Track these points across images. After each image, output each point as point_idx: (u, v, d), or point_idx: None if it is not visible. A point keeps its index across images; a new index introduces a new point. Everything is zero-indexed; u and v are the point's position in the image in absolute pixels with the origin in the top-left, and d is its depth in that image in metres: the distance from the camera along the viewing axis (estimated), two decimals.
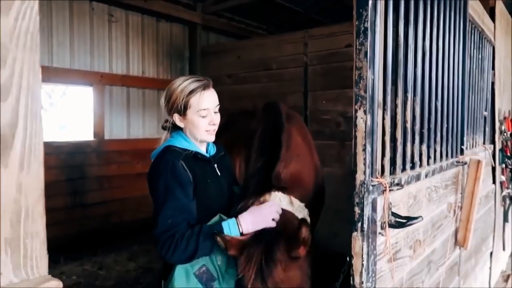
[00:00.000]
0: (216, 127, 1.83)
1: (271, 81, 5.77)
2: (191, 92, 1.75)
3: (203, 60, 6.52)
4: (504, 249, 4.53)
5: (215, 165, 1.91)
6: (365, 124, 1.37)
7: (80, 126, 5.49)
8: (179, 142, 1.81)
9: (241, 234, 1.64)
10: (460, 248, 2.57)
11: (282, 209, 1.75)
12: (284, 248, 1.57)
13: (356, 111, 1.39)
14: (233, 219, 1.68)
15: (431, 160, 2.10)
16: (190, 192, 1.71)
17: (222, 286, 1.67)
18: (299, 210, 1.84)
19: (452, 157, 2.46)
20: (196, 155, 1.80)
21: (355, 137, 1.39)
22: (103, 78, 5.49)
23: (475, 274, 3.36)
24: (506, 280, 4.46)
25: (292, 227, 1.62)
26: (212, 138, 1.85)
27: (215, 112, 1.82)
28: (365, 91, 1.36)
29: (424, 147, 2.00)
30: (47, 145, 5.05)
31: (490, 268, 4.06)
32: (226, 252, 1.59)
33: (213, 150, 1.97)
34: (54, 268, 4.55)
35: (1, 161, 0.63)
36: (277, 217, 1.70)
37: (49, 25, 4.90)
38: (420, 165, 1.99)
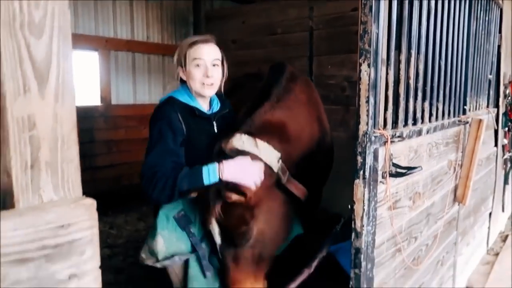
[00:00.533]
0: (213, 81, 1.87)
1: (276, 46, 5.75)
2: (191, 44, 1.84)
3: (207, 25, 6.46)
4: (503, 210, 4.65)
5: (214, 123, 1.97)
6: (369, 77, 1.43)
7: (87, 92, 5.54)
8: (181, 95, 1.90)
9: (220, 180, 1.66)
10: (459, 205, 2.67)
11: (245, 151, 1.77)
12: (232, 187, 1.65)
13: (360, 64, 1.44)
14: (215, 164, 1.68)
15: (433, 118, 2.16)
16: (180, 141, 1.79)
17: (200, 231, 1.84)
18: (267, 152, 1.81)
19: (454, 116, 2.51)
20: (194, 111, 1.88)
21: (359, 90, 1.45)
22: (108, 43, 5.49)
23: (474, 232, 3.48)
24: (504, 240, 4.59)
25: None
26: (208, 92, 1.89)
27: (213, 65, 1.86)
28: (369, 45, 1.41)
29: (427, 104, 2.05)
30: None
31: (489, 228, 4.19)
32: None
33: (216, 107, 2.03)
34: None
35: (39, 93, 0.70)
36: (259, 180, 1.71)
37: None
38: (422, 121, 2.05)
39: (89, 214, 0.74)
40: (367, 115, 1.45)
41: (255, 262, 1.76)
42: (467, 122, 2.57)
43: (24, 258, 0.65)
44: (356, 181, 1.49)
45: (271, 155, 1.82)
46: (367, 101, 1.44)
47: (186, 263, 1.81)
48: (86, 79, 5.41)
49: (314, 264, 1.70)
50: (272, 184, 1.82)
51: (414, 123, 1.95)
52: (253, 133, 1.84)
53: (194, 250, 1.80)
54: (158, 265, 1.75)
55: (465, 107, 2.67)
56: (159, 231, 1.75)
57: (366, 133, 1.46)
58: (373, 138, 1.49)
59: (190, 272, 1.79)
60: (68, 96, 0.74)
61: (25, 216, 0.65)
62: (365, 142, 1.46)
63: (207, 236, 1.82)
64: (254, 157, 1.75)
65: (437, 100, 2.21)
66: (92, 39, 5.31)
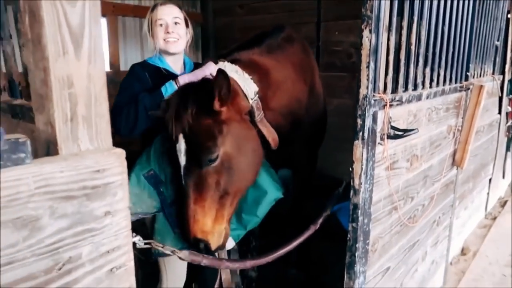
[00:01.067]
0: (176, 37, 2.03)
1: (283, 11, 5.71)
2: (152, 9, 2.05)
3: None
4: (503, 177, 4.75)
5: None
6: (370, 42, 1.50)
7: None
8: (153, 60, 2.11)
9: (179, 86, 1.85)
10: (457, 169, 2.78)
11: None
12: (201, 99, 1.65)
13: (362, 30, 1.52)
14: (170, 80, 1.90)
15: (434, 83, 2.24)
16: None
17: (169, 192, 1.84)
18: (246, 82, 1.83)
19: (456, 82, 2.58)
20: (161, 70, 2.07)
21: (361, 55, 1.53)
22: (115, 8, 5.49)
23: (472, 197, 3.61)
24: (503, 206, 4.73)
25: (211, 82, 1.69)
26: (172, 48, 2.04)
27: (175, 24, 2.03)
28: (371, 11, 1.48)
29: (428, 70, 2.12)
30: None
31: (488, 193, 4.31)
32: None
33: (189, 68, 2.21)
34: None
35: (75, 55, 0.81)
36: (205, 74, 1.83)
37: None
38: (423, 87, 2.13)
39: (119, 161, 0.86)
40: (367, 80, 1.53)
41: (218, 195, 1.67)
42: (469, 88, 2.63)
43: (69, 196, 0.78)
44: (356, 142, 1.60)
45: (249, 85, 1.85)
46: (368, 66, 1.52)
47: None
48: None
49: (320, 221, 1.83)
50: (246, 116, 1.81)
51: (414, 88, 2.03)
52: (236, 63, 1.92)
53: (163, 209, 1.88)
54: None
55: (467, 73, 2.73)
56: (130, 189, 1.82)
57: (366, 96, 1.55)
58: (372, 102, 1.58)
59: (157, 226, 1.88)
60: (99, 58, 0.85)
61: (68, 161, 0.77)
62: (365, 105, 1.56)
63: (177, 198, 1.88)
64: (232, 81, 1.75)
65: (439, 66, 2.27)
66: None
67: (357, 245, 1.69)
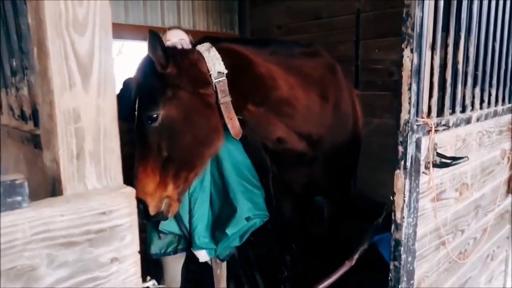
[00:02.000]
0: None
1: (321, 30, 5.62)
2: (162, 34, 2.12)
3: (252, 12, 6.45)
4: None
5: None
6: (411, 63, 1.37)
7: None
8: None
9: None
10: None
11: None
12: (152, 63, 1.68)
13: (402, 50, 1.39)
14: None
15: (485, 104, 2.04)
16: None
17: None
18: (213, 59, 1.77)
19: (510, 102, 2.36)
20: None
21: (401, 77, 1.40)
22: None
23: None
24: None
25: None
26: None
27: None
28: (413, 29, 1.35)
29: (478, 90, 1.94)
30: None
31: None
32: None
33: None
34: None
35: (83, 87, 0.75)
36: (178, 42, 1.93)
37: None
38: (472, 109, 1.94)
39: (128, 202, 0.78)
40: (409, 103, 1.39)
41: (161, 159, 1.68)
42: None
43: (71, 242, 0.71)
44: (397, 171, 1.45)
45: (215, 63, 1.77)
46: (409, 88, 1.38)
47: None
48: (122, 68, 5.63)
49: (356, 256, 1.68)
50: (204, 91, 1.75)
51: (463, 110, 1.85)
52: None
53: None
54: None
55: None
56: None
57: (408, 121, 1.41)
58: (415, 127, 1.44)
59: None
60: (109, 89, 0.78)
61: (70, 203, 0.71)
62: (407, 131, 1.41)
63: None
64: (199, 55, 1.77)
65: (490, 85, 2.08)
66: (141, 29, 5.47)
67: (400, 286, 1.52)
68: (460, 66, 1.75)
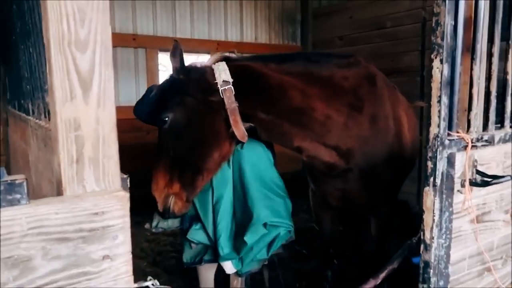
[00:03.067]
0: None
1: (385, 40, 5.46)
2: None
3: (314, 23, 6.46)
4: None
5: None
6: (441, 74, 1.30)
7: None
8: None
9: None
10: None
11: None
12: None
13: (432, 60, 1.32)
14: None
15: None
16: None
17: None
18: (220, 69, 1.86)
19: None
20: None
21: (431, 89, 1.33)
22: (220, 45, 5.88)
23: None
24: None
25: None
26: None
27: None
28: (442, 39, 1.28)
29: None
30: None
31: None
32: None
33: None
34: None
35: (84, 99, 0.83)
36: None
37: None
38: None
39: (121, 204, 0.85)
40: (439, 116, 1.31)
41: (169, 158, 1.85)
42: None
43: (64, 238, 0.78)
44: (426, 188, 1.37)
45: (221, 73, 1.87)
46: (439, 101, 1.31)
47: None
48: None
49: (382, 275, 1.59)
50: (212, 98, 1.87)
51: None
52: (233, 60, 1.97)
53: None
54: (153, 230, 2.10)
55: None
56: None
57: (438, 136, 1.32)
58: (446, 142, 1.35)
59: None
60: (108, 101, 0.86)
61: (65, 203, 0.79)
62: (436, 146, 1.33)
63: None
64: (209, 69, 1.90)
65: None
66: (206, 43, 5.75)
67: None
68: (509, 77, 1.61)
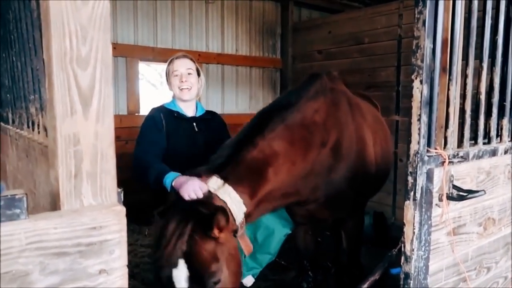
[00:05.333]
0: (188, 86, 2.42)
1: (363, 55, 5.62)
2: (170, 62, 2.46)
3: (294, 37, 6.59)
4: None
5: (194, 124, 2.49)
6: (421, 94, 1.37)
7: None
8: (169, 104, 2.54)
9: (171, 186, 1.89)
10: None
11: (211, 192, 1.79)
12: (195, 225, 1.64)
13: (412, 81, 1.39)
14: (177, 174, 1.93)
15: None
16: (162, 133, 2.35)
17: None
18: (237, 205, 1.81)
19: None
20: (174, 114, 2.44)
21: (411, 107, 1.40)
22: (201, 56, 5.90)
23: None
24: None
25: (208, 209, 1.69)
26: (184, 95, 2.44)
27: (188, 74, 2.42)
28: (422, 61, 1.36)
29: (505, 121, 1.87)
30: None
31: None
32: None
33: (200, 113, 2.59)
34: None
35: (83, 114, 0.85)
36: (193, 194, 1.76)
37: (154, 9, 5.43)
38: (500, 140, 1.87)
39: (118, 219, 0.86)
40: (419, 134, 1.39)
41: None
42: None
43: (62, 252, 0.79)
44: (406, 202, 1.43)
45: (239, 208, 1.82)
46: (419, 119, 1.38)
47: None
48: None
49: (365, 286, 1.64)
50: (232, 232, 1.80)
51: (488, 142, 1.79)
52: (229, 179, 1.84)
53: None
54: None
55: None
56: None
57: (418, 152, 1.39)
58: (426, 158, 1.42)
59: None
60: (107, 117, 0.88)
61: (64, 217, 0.79)
62: (416, 162, 1.40)
63: None
64: (221, 202, 1.77)
65: None
66: (188, 53, 5.77)
67: None
68: (482, 97, 1.70)
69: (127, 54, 5.24)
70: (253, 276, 2.13)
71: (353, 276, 2.56)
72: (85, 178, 0.86)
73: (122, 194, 0.95)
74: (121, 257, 0.87)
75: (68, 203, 0.84)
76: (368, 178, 2.35)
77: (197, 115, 2.56)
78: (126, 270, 0.88)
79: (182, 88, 2.42)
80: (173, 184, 1.88)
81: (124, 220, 0.87)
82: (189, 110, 2.53)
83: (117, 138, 5.30)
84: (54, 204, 0.85)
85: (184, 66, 2.43)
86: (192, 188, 1.76)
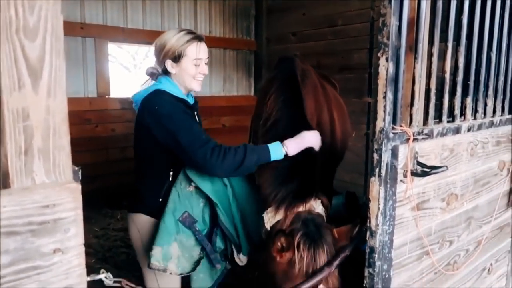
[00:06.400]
0: (203, 77, 2.07)
1: (336, 38, 5.64)
2: (188, 41, 1.97)
3: (268, 19, 6.52)
4: None
5: (195, 113, 2.14)
6: (387, 71, 1.38)
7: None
8: (168, 88, 2.02)
9: (285, 155, 1.84)
10: None
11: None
12: (331, 241, 1.69)
13: (378, 58, 1.40)
14: (277, 142, 1.87)
15: (479, 114, 2.01)
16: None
17: (202, 226, 1.93)
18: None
19: (510, 113, 2.30)
20: (184, 102, 2.05)
21: (375, 84, 1.41)
22: None
23: None
24: None
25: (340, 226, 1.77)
26: (198, 87, 2.07)
27: (205, 64, 2.05)
28: (388, 38, 1.36)
29: (469, 100, 1.91)
30: (124, 101, 5.54)
31: None
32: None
33: (191, 100, 2.19)
34: None
35: (33, 88, 0.81)
36: (318, 143, 1.87)
37: None
38: (464, 119, 1.92)
39: (73, 197, 0.83)
40: (384, 111, 1.40)
41: None
42: None
43: (12, 231, 0.76)
44: (372, 179, 1.45)
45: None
46: (384, 97, 1.39)
47: None
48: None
49: (336, 263, 1.67)
50: None
51: (452, 120, 1.83)
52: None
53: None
54: (172, 273, 1.89)
55: None
56: (180, 243, 1.90)
57: (383, 129, 1.41)
58: (391, 135, 1.44)
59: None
60: (59, 91, 0.84)
61: (13, 196, 0.76)
62: (382, 139, 1.42)
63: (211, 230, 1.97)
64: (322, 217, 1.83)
65: (485, 96, 2.04)
66: (158, 35, 5.60)
67: None
68: (447, 76, 1.73)
69: (95, 35, 5.07)
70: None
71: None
72: (37, 155, 0.82)
73: (80, 173, 0.92)
74: (77, 236, 0.84)
75: (18, 180, 0.81)
76: (336, 157, 2.39)
77: (192, 103, 2.21)
78: (83, 249, 0.86)
79: (198, 79, 2.06)
80: (287, 152, 1.85)
81: (79, 198, 0.85)
82: (189, 98, 2.20)
83: (87, 121, 5.17)
84: (5, 183, 0.81)
85: (205, 53, 2.05)
86: (314, 139, 1.87)
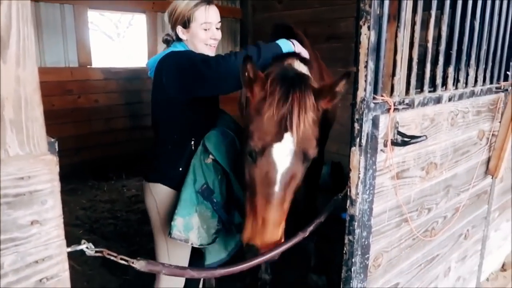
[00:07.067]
0: (216, 43, 1.96)
1: (323, 6, 5.54)
2: (196, 5, 1.89)
3: None
4: None
5: None
6: (368, 40, 1.36)
7: (135, 53, 5.78)
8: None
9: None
10: (492, 178, 2.52)
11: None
12: (312, 98, 1.55)
13: (360, 27, 1.38)
14: (283, 39, 1.93)
15: (460, 84, 2.02)
16: None
17: (219, 198, 1.90)
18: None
19: (492, 82, 2.33)
20: None
21: (358, 54, 1.40)
22: (155, 5, 5.60)
23: None
24: None
25: (325, 83, 1.69)
26: (211, 52, 1.95)
27: (216, 28, 1.95)
28: (370, 6, 1.34)
29: (451, 69, 1.92)
30: (107, 71, 5.41)
31: None
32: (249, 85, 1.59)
33: None
34: (117, 181, 5.13)
35: (1, 57, 0.78)
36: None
37: None
38: (445, 88, 1.93)
39: (49, 168, 0.82)
40: (365, 81, 1.40)
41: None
42: (507, 90, 2.37)
43: None
44: (352, 148, 1.47)
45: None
46: (366, 66, 1.38)
47: None
48: (134, 40, 5.62)
49: (310, 229, 1.70)
50: None
51: (433, 89, 1.84)
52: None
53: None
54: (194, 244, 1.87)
55: (508, 72, 2.45)
56: (200, 214, 1.87)
57: (364, 99, 1.41)
58: (372, 105, 1.44)
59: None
60: (29, 60, 0.81)
61: None
62: (362, 109, 1.42)
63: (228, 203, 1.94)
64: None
65: (467, 65, 2.05)
66: (140, 2, 5.44)
67: (353, 260, 1.56)
68: (429, 45, 1.73)
69: (74, 1, 4.88)
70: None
71: (309, 220, 2.66)
72: (9, 127, 0.80)
73: (56, 144, 0.90)
74: (54, 207, 0.84)
75: None
76: (327, 121, 2.42)
77: None
78: (61, 221, 0.86)
79: (210, 44, 1.95)
80: (296, 50, 1.92)
81: (56, 170, 0.84)
82: None
83: (69, 92, 5.06)
84: None
85: (216, 18, 1.95)
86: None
